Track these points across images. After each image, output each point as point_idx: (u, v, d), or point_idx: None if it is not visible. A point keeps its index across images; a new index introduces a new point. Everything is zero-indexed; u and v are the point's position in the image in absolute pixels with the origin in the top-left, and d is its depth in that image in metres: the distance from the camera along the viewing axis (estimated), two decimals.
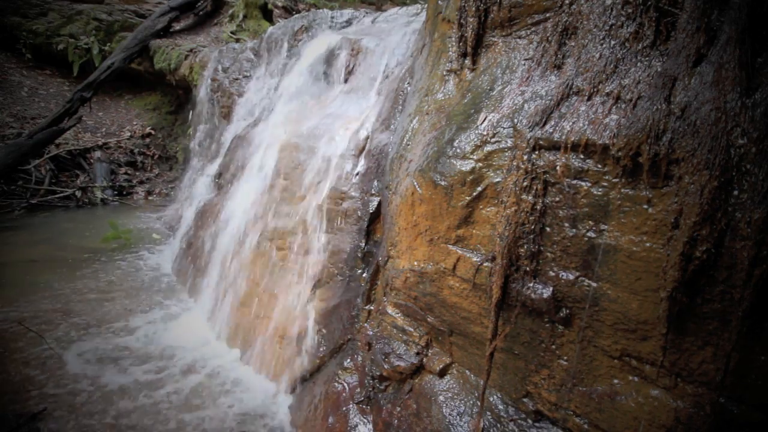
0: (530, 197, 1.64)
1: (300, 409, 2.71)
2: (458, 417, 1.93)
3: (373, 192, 2.92)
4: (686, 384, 1.38)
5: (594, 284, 1.52)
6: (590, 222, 1.52)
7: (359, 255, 2.85)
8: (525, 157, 1.66)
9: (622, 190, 1.45)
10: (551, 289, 1.62)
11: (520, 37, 1.96)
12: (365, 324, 2.55)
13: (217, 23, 8.68)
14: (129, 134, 8.37)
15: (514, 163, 1.69)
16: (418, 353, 2.17)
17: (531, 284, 1.67)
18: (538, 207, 1.63)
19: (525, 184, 1.65)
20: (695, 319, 1.33)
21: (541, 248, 1.65)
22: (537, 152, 1.64)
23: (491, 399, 1.87)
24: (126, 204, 7.35)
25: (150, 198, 7.78)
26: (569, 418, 1.64)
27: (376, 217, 2.87)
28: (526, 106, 1.74)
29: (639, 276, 1.41)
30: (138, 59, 7.98)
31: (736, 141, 1.24)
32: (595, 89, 1.55)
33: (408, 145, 2.39)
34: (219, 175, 4.92)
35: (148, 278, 4.66)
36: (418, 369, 2.17)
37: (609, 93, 1.52)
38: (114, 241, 5.43)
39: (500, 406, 1.84)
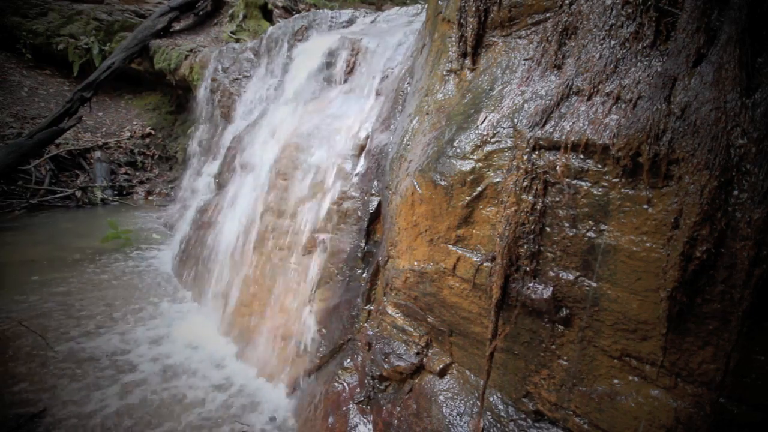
0: (530, 197, 1.64)
1: (300, 409, 2.71)
2: (458, 417, 1.93)
3: (373, 192, 2.92)
4: (686, 384, 1.38)
5: (594, 284, 1.52)
6: (590, 222, 1.52)
7: (359, 255, 2.85)
8: (525, 157, 1.66)
9: (622, 190, 1.45)
10: (551, 289, 1.62)
11: (520, 37, 1.96)
12: (365, 324, 2.55)
13: (217, 23, 8.68)
14: (129, 134, 8.37)
15: (514, 163, 1.69)
16: (418, 353, 2.17)
17: (531, 284, 1.67)
18: (538, 207, 1.63)
19: (525, 184, 1.65)
20: (695, 319, 1.33)
21: (541, 248, 1.65)
22: (537, 152, 1.64)
23: (491, 399, 1.87)
24: (126, 204, 7.35)
25: (150, 198, 7.78)
26: (569, 418, 1.64)
27: (376, 217, 2.87)
28: (526, 106, 1.74)
29: (639, 276, 1.41)
30: (138, 59, 7.98)
31: (736, 141, 1.24)
32: (595, 89, 1.55)
33: (408, 145, 2.39)
34: (219, 174, 4.93)
35: (148, 278, 4.66)
36: (418, 369, 2.17)
37: (609, 93, 1.52)
38: (114, 241, 5.43)
39: (500, 406, 1.84)
